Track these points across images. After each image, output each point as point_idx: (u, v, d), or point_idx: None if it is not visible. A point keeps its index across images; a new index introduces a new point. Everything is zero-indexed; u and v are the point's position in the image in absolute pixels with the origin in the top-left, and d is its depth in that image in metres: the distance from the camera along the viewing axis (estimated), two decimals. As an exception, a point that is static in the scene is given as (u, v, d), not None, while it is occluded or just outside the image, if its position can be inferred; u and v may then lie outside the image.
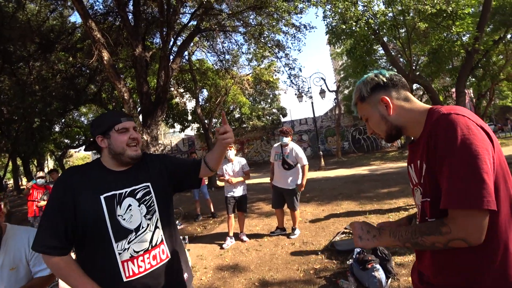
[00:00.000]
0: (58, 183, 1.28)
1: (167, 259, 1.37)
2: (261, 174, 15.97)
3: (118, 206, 1.27)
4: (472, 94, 18.35)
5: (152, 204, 1.37)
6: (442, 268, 0.96)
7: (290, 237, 4.74)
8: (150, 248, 1.32)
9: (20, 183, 19.83)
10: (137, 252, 1.29)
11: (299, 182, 4.65)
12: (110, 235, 1.23)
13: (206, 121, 12.87)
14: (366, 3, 5.63)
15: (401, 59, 13.43)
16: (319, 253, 3.86)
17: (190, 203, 8.33)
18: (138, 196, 1.34)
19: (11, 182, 27.90)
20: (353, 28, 9.20)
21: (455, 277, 0.93)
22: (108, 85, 9.96)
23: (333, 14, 8.79)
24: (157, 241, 1.35)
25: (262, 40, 8.01)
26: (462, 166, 0.81)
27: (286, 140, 4.63)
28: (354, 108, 1.19)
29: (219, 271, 3.78)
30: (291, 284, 3.17)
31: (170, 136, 27.28)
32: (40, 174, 5.44)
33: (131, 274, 1.25)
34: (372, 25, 8.79)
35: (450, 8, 6.68)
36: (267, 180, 13.10)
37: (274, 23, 7.35)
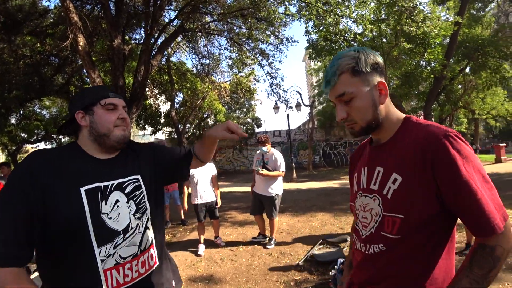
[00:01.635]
0: (19, 171, 0.96)
1: (156, 265, 1.15)
2: (232, 183, 15.71)
3: (103, 202, 1.01)
4: (433, 119, 19.78)
5: (142, 201, 1.12)
6: (387, 278, 0.90)
7: (266, 247, 4.57)
8: (139, 253, 1.08)
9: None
10: (124, 258, 1.04)
11: (278, 192, 4.53)
12: (91, 238, 0.96)
13: (179, 125, 12.46)
14: (354, 19, 5.83)
15: (374, 80, 14.19)
16: (299, 264, 3.73)
17: (158, 209, 7.88)
18: (127, 190, 1.09)
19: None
20: (334, 45, 9.57)
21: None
22: (78, 78, 9.24)
23: (316, 30, 9.06)
24: (146, 244, 1.11)
25: (246, 47, 7.98)
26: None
27: (265, 149, 4.58)
28: (332, 79, 0.89)
29: (192, 283, 3.50)
30: (271, 296, 3.00)
31: (139, 139, 26.17)
32: None
33: (114, 285, 1.00)
34: (352, 44, 9.15)
35: (435, 31, 7.14)
36: (238, 189, 12.93)
37: (263, 30, 7.36)
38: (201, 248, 4.49)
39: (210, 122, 19.46)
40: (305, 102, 19.36)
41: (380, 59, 0.92)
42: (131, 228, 1.06)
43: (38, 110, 16.91)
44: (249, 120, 21.96)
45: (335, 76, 0.89)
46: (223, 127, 1.20)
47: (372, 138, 1.02)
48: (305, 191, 10.56)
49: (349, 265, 1.19)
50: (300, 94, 17.49)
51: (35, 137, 17.81)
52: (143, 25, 5.97)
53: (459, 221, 0.84)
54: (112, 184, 1.05)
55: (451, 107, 15.43)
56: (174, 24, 7.68)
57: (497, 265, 0.75)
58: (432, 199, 0.80)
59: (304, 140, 22.32)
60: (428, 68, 9.50)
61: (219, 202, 4.70)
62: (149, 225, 1.14)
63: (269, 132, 23.63)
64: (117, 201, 1.04)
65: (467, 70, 12.89)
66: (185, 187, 4.62)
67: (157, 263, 1.16)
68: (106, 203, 1.01)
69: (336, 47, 9.62)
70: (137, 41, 7.66)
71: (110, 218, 1.01)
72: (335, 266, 3.09)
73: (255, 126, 22.45)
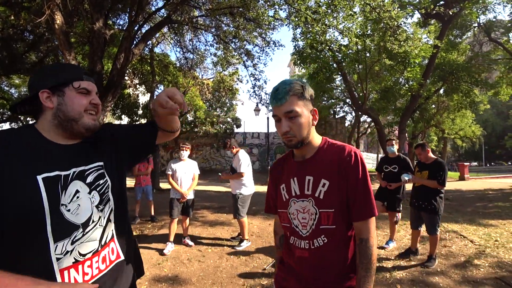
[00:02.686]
0: None
1: (118, 260, 1.06)
2: (207, 181, 15.52)
3: (63, 192, 0.90)
4: (406, 134, 20.69)
5: (106, 191, 1.03)
6: (321, 268, 1.15)
7: (235, 248, 4.53)
8: (99, 249, 0.99)
9: None
10: (84, 255, 0.94)
11: (242, 191, 4.54)
12: (47, 233, 0.85)
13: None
14: (341, 31, 5.94)
15: (354, 92, 14.57)
16: (266, 268, 3.71)
17: (129, 203, 7.59)
18: (89, 179, 0.98)
19: None
20: (319, 54, 9.72)
21: (333, 273, 1.14)
22: (52, 58, 8.69)
23: (303, 37, 9.16)
24: (107, 238, 1.02)
25: (232, 46, 7.90)
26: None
27: (228, 152, 4.71)
28: (284, 97, 1.09)
29: (156, 283, 3.37)
30: (236, 300, 2.94)
31: (113, 129, 25.21)
32: None
33: None
34: (337, 55, 9.34)
35: (415, 51, 7.44)
36: (212, 188, 12.77)
37: (250, 31, 7.31)
38: (169, 246, 4.37)
39: (190, 118, 19.13)
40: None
41: (313, 93, 1.19)
42: (93, 222, 0.96)
43: (6, 88, 15.67)
44: (229, 119, 21.82)
45: (288, 95, 1.10)
46: (159, 98, 1.01)
47: (295, 154, 1.25)
48: (279, 195, 10.62)
49: (280, 259, 1.37)
50: (283, 99, 17.67)
51: (12, 128, 16.46)
52: (128, 10, 5.72)
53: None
54: (74, 172, 0.95)
55: (424, 124, 16.19)
56: (161, 14, 7.47)
57: (373, 251, 1.10)
58: (345, 194, 1.12)
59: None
60: (406, 85, 9.90)
61: (186, 192, 4.45)
62: (111, 217, 1.05)
63: (248, 133, 23.61)
64: (77, 191, 0.94)
65: (441, 91, 13.60)
66: (170, 180, 4.47)
67: (120, 257, 1.07)
68: (65, 194, 0.90)
69: (321, 55, 9.78)
70: (120, 27, 7.34)
71: (68, 210, 0.90)
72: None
73: (235, 126, 22.33)
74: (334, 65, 10.29)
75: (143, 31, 6.49)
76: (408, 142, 15.73)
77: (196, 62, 10.06)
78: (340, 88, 15.66)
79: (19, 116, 16.43)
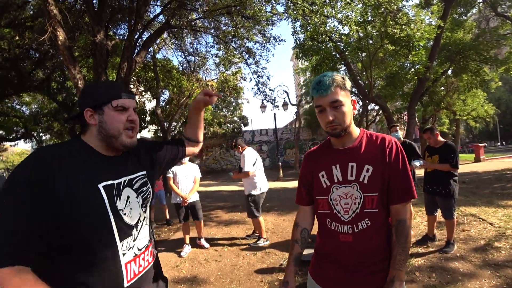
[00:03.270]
0: (26, 168, 0.89)
1: (156, 252, 1.24)
2: (219, 182, 15.63)
3: (118, 198, 1.02)
4: (416, 119, 20.27)
5: (148, 196, 1.17)
6: (364, 252, 1.21)
7: (251, 245, 4.57)
8: (149, 244, 1.15)
9: None
10: (140, 249, 1.09)
11: (253, 191, 4.52)
12: (114, 234, 0.98)
13: (165, 123, 12.27)
14: (340, 20, 5.87)
15: (360, 81, 14.37)
16: (283, 263, 3.73)
17: (143, 209, 7.73)
18: (136, 186, 1.12)
19: None
20: (321, 45, 9.62)
21: (374, 258, 1.21)
22: (59, 73, 8.90)
23: (303, 30, 9.08)
24: (151, 235, 1.20)
25: (232, 45, 7.92)
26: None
27: (236, 152, 4.76)
28: (329, 88, 1.17)
29: (176, 284, 3.44)
30: (255, 297, 2.98)
31: (123, 137, 25.64)
32: None
33: (132, 276, 1.04)
34: (338, 45, 9.23)
35: (418, 33, 7.28)
36: (224, 188, 12.87)
37: (249, 28, 7.30)
38: (186, 248, 4.43)
39: (197, 120, 19.28)
40: (293, 101, 19.47)
41: (351, 84, 1.28)
42: (140, 222, 1.10)
43: (18, 106, 16.14)
44: (236, 118, 21.91)
45: (332, 86, 1.18)
46: (201, 95, 1.38)
47: (333, 143, 1.33)
48: (291, 190, 10.60)
49: (294, 260, 1.37)
50: (287, 93, 17.56)
51: (14, 135, 16.98)
52: (127, 20, 5.79)
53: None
54: (124, 181, 1.07)
55: (434, 108, 15.84)
56: (160, 20, 7.54)
57: (409, 231, 1.20)
58: (387, 179, 1.21)
59: (291, 139, 22.44)
60: (412, 69, 9.70)
61: (187, 196, 4.39)
62: (150, 217, 1.27)
63: (256, 131, 23.63)
64: (128, 197, 1.07)
65: (449, 72, 13.27)
66: (170, 183, 4.49)
67: (156, 251, 1.24)
68: (120, 200, 1.03)
69: (323, 47, 9.67)
70: (121, 36, 7.45)
71: (125, 214, 1.03)
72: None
73: (242, 124, 22.42)
74: (337, 55, 10.17)
75: (144, 38, 6.58)
76: (419, 127, 15.43)
77: (198, 65, 10.12)
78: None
79: (32, 133, 16.93)
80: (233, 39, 7.58)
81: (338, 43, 9.22)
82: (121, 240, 1.00)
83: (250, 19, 6.62)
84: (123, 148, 1.08)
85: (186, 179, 4.48)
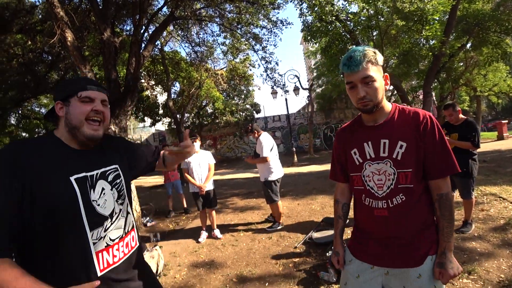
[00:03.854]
0: (2, 159, 0.94)
1: (136, 246, 1.26)
2: (234, 170, 15.84)
3: (92, 190, 1.07)
4: (434, 97, 19.52)
5: (122, 188, 1.22)
6: (400, 226, 1.24)
7: (266, 229, 4.68)
8: (123, 235, 1.18)
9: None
10: (113, 240, 1.13)
11: (269, 177, 4.56)
12: (84, 224, 1.03)
13: (178, 115, 12.43)
14: (346, -1, 5.69)
15: (372, 60, 13.97)
16: (297, 246, 3.82)
17: (161, 199, 8.01)
18: (110, 178, 1.17)
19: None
20: (329, 26, 9.36)
21: (410, 232, 1.24)
22: (72, 74, 9.18)
23: (309, 11, 8.85)
24: (129, 227, 1.22)
25: (238, 32, 7.85)
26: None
27: (251, 137, 4.71)
28: (361, 64, 1.15)
29: (194, 268, 3.61)
30: (270, 278, 3.09)
31: (140, 131, 26.19)
32: None
33: (105, 266, 1.08)
34: (348, 24, 8.96)
35: (428, 6, 6.94)
36: (240, 175, 13.04)
37: (253, 14, 7.20)
38: (203, 235, 4.59)
39: (209, 110, 19.39)
40: (305, 85, 19.20)
41: (383, 59, 1.24)
42: (115, 213, 1.15)
43: (37, 109, 16.85)
44: (248, 106, 21.83)
45: (363, 62, 1.15)
46: (179, 147, 1.38)
47: (365, 120, 1.33)
48: (306, 175, 10.64)
49: (340, 233, 1.49)
50: (298, 78, 17.32)
51: (35, 136, 17.83)
52: (132, 15, 5.84)
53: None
54: (97, 174, 1.12)
55: (452, 85, 15.16)
56: (164, 13, 7.55)
57: (452, 203, 1.23)
58: (422, 155, 1.20)
59: (304, 124, 22.26)
60: (427, 45, 9.29)
61: (203, 185, 4.44)
62: (129, 209, 1.25)
63: (268, 118, 23.56)
64: (103, 189, 1.12)
65: (468, 46, 12.60)
66: (185, 175, 4.59)
67: (138, 243, 1.28)
68: (94, 191, 1.08)
69: (332, 27, 9.41)
70: (128, 32, 7.53)
71: (98, 205, 1.08)
72: (332, 248, 3.17)
73: (254, 112, 22.35)
74: (347, 35, 9.87)
75: (151, 32, 6.63)
76: (437, 106, 14.86)
77: (206, 54, 10.11)
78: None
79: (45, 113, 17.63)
80: (238, 26, 7.50)
81: (347, 23, 8.93)
82: (91, 230, 1.04)
83: (254, 4, 6.52)
84: (86, 140, 1.09)
85: (200, 167, 4.52)
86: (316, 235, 3.99)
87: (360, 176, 1.31)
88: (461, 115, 3.67)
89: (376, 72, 1.17)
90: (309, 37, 10.27)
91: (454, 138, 3.61)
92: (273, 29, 8.54)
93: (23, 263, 0.95)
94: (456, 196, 3.86)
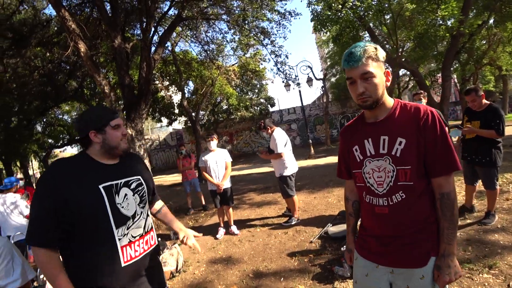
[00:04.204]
0: (47, 174, 1.27)
1: (155, 245, 1.53)
2: (251, 165, 15.92)
3: (116, 195, 1.34)
4: (456, 80, 18.63)
5: (144, 195, 1.49)
6: (401, 224, 1.23)
7: (282, 224, 4.73)
8: (143, 234, 1.44)
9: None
10: (134, 237, 1.39)
11: (284, 172, 4.58)
12: (111, 222, 1.29)
13: (193, 113, 12.64)
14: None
15: (387, 46, 13.47)
16: (313, 241, 3.85)
17: (180, 197, 8.24)
18: (132, 186, 1.44)
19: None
20: (339, 14, 9.12)
21: (411, 230, 1.22)
22: (90, 80, 9.54)
23: (317, 0, 8.67)
24: (148, 227, 1.48)
25: (246, 28, 7.82)
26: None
27: (264, 133, 4.77)
28: (360, 60, 1.15)
29: (212, 264, 3.73)
30: (285, 273, 3.14)
31: (157, 131, 26.81)
32: (19, 176, 5.14)
33: (128, 258, 1.34)
34: (358, 10, 8.70)
35: None
36: (256, 170, 13.12)
37: (257, 9, 7.15)
38: (221, 231, 4.70)
39: (224, 106, 19.53)
40: (318, 75, 18.88)
41: (385, 55, 1.23)
42: (137, 215, 1.42)
43: (60, 116, 17.76)
44: (262, 100, 21.79)
45: (363, 57, 1.15)
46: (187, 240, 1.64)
47: (366, 116, 1.32)
48: (323, 167, 10.56)
49: (352, 230, 1.53)
50: (311, 68, 17.05)
51: (61, 142, 18.86)
52: (139, 21, 5.97)
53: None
54: (121, 182, 1.39)
55: (474, 65, 14.40)
56: (172, 14, 7.64)
57: (455, 203, 1.18)
58: (423, 152, 1.17)
59: (320, 114, 21.96)
60: (444, 26, 8.86)
61: (220, 184, 4.51)
62: (149, 213, 1.53)
63: (283, 110, 23.43)
64: (125, 194, 1.39)
65: (490, 22, 11.89)
66: (203, 173, 4.69)
67: (156, 243, 1.54)
68: (118, 196, 1.35)
69: (342, 15, 9.18)
70: (139, 36, 7.71)
71: (122, 207, 1.35)
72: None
73: (269, 105, 22.29)
74: (358, 22, 9.59)
75: (160, 34, 6.75)
76: (459, 89, 14.15)
77: (217, 52, 10.16)
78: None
79: (76, 138, 18.67)
80: (244, 21, 7.46)
81: (358, 8, 8.67)
82: (116, 228, 1.31)
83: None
84: (123, 153, 1.45)
85: (217, 165, 4.58)
86: (332, 229, 3.99)
87: (361, 173, 1.31)
88: (484, 100, 3.40)
89: (376, 68, 1.17)
90: (319, 27, 10.08)
91: (476, 126, 3.39)
92: (282, 21, 8.45)
93: (65, 255, 1.28)
94: (479, 185, 3.69)
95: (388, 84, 1.22)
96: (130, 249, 1.36)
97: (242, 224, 5.10)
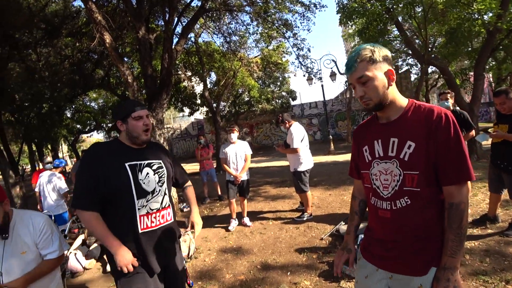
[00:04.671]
0: (87, 154, 1.61)
1: (171, 221, 1.76)
2: (270, 157, 15.96)
3: (139, 173, 1.62)
4: (491, 79, 17.46)
5: (163, 176, 1.74)
6: (402, 230, 1.19)
7: (295, 219, 4.74)
8: (160, 209, 1.69)
9: (37, 168, 20.55)
10: (152, 210, 1.64)
11: (299, 167, 4.57)
12: (133, 194, 1.57)
13: (214, 104, 12.78)
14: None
15: (416, 40, 12.84)
16: (323, 238, 3.84)
17: (197, 186, 8.42)
18: (154, 167, 1.71)
19: (28, 167, 28.89)
20: (366, 6, 8.80)
21: (413, 236, 1.18)
22: (116, 70, 9.92)
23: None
24: (165, 204, 1.72)
25: (269, 20, 7.74)
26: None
27: (282, 128, 4.82)
28: (353, 65, 1.15)
29: (223, 253, 3.83)
30: (293, 268, 3.17)
31: (179, 120, 27.41)
32: (48, 159, 5.55)
33: (144, 226, 1.60)
34: (386, 3, 8.35)
35: None
36: (275, 163, 13.13)
37: (280, 0, 7.05)
38: (233, 223, 4.78)
39: (245, 98, 19.58)
40: (343, 69, 18.38)
41: (388, 53, 1.18)
42: (156, 191, 1.67)
43: (88, 103, 18.68)
44: (283, 93, 21.61)
45: (356, 63, 1.15)
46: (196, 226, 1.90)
47: (379, 117, 1.28)
48: (341, 164, 10.39)
49: (354, 230, 1.49)
50: (335, 62, 16.64)
51: (88, 128, 19.94)
52: (162, 13, 6.08)
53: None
54: (144, 163, 1.67)
55: (512, 64, 13.39)
56: (195, 5, 7.70)
57: (464, 216, 1.10)
58: (433, 158, 1.11)
59: (342, 110, 21.50)
60: (479, 21, 8.29)
61: (239, 175, 4.57)
62: (166, 192, 1.76)
63: (305, 104, 23.14)
64: (147, 173, 1.66)
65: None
66: (223, 165, 4.78)
67: (172, 220, 1.78)
68: (141, 174, 1.62)
69: (369, 7, 8.84)
70: (163, 27, 7.87)
71: (144, 183, 1.62)
72: (357, 242, 3.14)
73: (291, 99, 22.07)
74: (386, 15, 9.19)
75: (183, 25, 6.83)
76: (492, 89, 13.27)
77: (239, 44, 10.16)
78: (398, 40, 13.95)
79: (102, 125, 19.63)
80: (267, 13, 7.38)
81: (386, 1, 8.32)
82: (137, 199, 1.58)
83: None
84: (142, 143, 1.70)
85: (237, 157, 4.63)
86: (344, 227, 3.96)
87: (368, 174, 1.28)
88: None
89: (372, 71, 1.14)
90: (345, 19, 9.78)
91: (504, 130, 3.20)
92: (306, 13, 8.29)
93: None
94: (505, 195, 3.49)
95: (393, 83, 1.18)
96: (147, 219, 1.61)
97: (255, 216, 5.17)
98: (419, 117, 1.15)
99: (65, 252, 1.85)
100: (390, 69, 1.16)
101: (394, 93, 1.19)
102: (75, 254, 3.84)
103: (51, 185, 4.88)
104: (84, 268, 3.85)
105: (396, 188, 1.17)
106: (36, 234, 1.61)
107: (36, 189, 5.12)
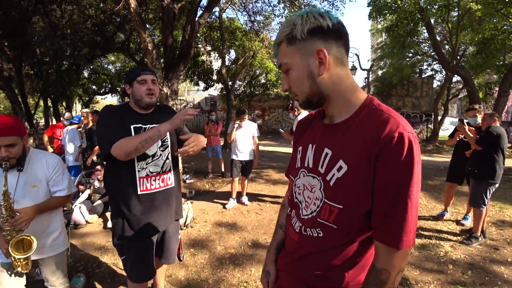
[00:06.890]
0: (105, 110, 1.73)
1: (172, 185, 1.81)
2: (278, 143, 16.01)
3: None
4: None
5: (166, 141, 1.78)
6: (304, 261, 0.93)
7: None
8: (161, 172, 1.74)
9: (50, 122, 21.11)
10: (152, 172, 1.71)
11: None
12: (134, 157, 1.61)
13: (229, 82, 12.76)
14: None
15: (446, 46, 12.39)
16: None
17: (202, 160, 8.60)
18: None
19: (42, 121, 29.73)
20: (399, 2, 8.50)
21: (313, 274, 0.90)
22: (137, 35, 9.94)
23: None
24: (166, 168, 1.77)
25: (296, 3, 7.57)
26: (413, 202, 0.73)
27: (290, 115, 4.84)
28: (275, 49, 0.84)
29: (217, 227, 4.00)
30: (281, 249, 3.30)
31: (193, 94, 27.47)
32: (67, 115, 5.76)
33: (144, 188, 1.68)
34: (421, 2, 8.05)
35: None
36: (281, 149, 13.19)
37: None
38: (231, 202, 4.88)
39: (262, 80, 19.42)
40: (364, 65, 17.97)
41: (325, 19, 0.76)
42: (157, 155, 1.73)
43: (106, 65, 18.83)
44: (301, 81, 21.29)
45: (278, 45, 0.83)
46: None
47: (325, 113, 0.91)
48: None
49: (276, 247, 1.12)
50: (358, 56, 16.28)
51: (103, 90, 20.24)
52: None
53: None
54: (148, 127, 1.70)
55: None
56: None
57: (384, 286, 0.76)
58: (370, 194, 0.76)
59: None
60: (515, 33, 7.94)
61: (255, 164, 4.81)
62: (169, 157, 1.80)
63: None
64: None
65: None
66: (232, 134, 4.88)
67: (173, 184, 1.82)
68: None
69: (401, 4, 8.54)
70: (189, -3, 7.79)
71: None
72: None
73: (307, 88, 21.77)
74: (418, 14, 8.87)
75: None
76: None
77: (263, 25, 9.99)
78: (427, 43, 13.44)
79: (117, 88, 19.90)
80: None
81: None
82: (137, 161, 1.65)
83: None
84: (146, 106, 1.73)
85: (244, 137, 4.72)
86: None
87: (293, 182, 0.98)
88: None
89: (291, 57, 0.80)
90: (375, 14, 9.51)
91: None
92: (335, 2, 8.08)
93: (106, 171, 1.79)
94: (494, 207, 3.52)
95: (324, 70, 0.77)
96: (147, 181, 1.68)
97: (253, 196, 5.31)
98: (368, 128, 0.76)
99: (72, 202, 2.00)
100: (320, 49, 0.76)
101: (334, 85, 0.81)
102: (80, 207, 4.06)
103: (71, 138, 5.18)
104: (87, 222, 4.08)
105: (314, 214, 0.86)
106: (49, 171, 1.73)
107: (62, 142, 5.52)
